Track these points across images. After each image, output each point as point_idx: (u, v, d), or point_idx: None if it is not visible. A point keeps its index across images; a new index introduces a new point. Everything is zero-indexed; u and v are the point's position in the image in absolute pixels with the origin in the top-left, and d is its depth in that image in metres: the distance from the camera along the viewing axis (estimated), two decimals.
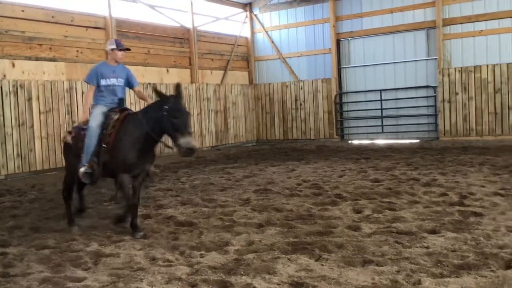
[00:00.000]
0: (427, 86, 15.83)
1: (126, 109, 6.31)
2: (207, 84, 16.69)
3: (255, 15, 18.58)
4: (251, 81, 18.92)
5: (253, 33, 18.84)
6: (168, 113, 5.63)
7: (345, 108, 17.62)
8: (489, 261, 4.20)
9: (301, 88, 17.89)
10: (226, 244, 5.22)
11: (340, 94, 17.48)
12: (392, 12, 16.18)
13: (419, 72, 16.00)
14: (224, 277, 4.18)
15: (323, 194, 7.75)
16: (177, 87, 5.74)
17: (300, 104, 17.93)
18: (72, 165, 6.26)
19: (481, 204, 6.49)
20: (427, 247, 4.71)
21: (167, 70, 15.47)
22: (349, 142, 16.98)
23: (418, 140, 15.71)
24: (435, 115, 15.74)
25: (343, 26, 17.19)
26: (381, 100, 16.46)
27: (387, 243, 4.95)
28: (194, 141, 5.74)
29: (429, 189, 7.71)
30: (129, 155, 5.74)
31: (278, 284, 3.97)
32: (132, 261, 4.77)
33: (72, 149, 6.22)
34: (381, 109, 16.53)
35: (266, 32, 18.53)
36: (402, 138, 16.16)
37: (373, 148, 14.43)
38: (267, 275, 4.15)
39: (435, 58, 15.58)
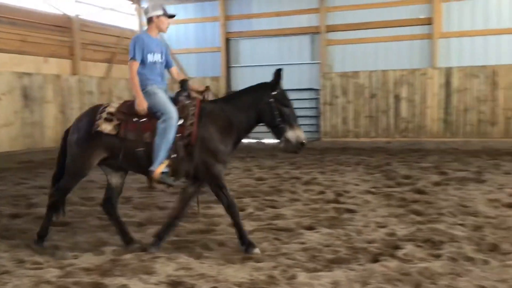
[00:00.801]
0: (310, 89, 16.53)
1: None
2: (90, 77, 15.89)
3: (144, 8, 18.08)
4: None
5: (141, 26, 18.30)
6: (276, 100, 4.76)
7: None
8: (359, 255, 4.46)
9: None
10: (102, 244, 4.99)
11: (229, 93, 17.64)
12: (279, 16, 16.65)
13: (303, 75, 16.65)
14: (98, 278, 3.98)
15: (208, 193, 7.72)
16: (278, 71, 4.82)
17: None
18: (83, 165, 4.88)
19: (355, 202, 6.90)
20: (304, 243, 4.90)
21: (46, 60, 14.46)
22: None
23: None
24: (317, 117, 16.49)
25: (232, 26, 17.34)
26: None
27: (267, 240, 5.06)
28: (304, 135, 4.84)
29: (309, 187, 8.04)
30: (224, 150, 4.74)
31: (155, 284, 3.88)
32: None
33: (108, 142, 4.78)
34: None
35: None
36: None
37: (259, 148, 14.75)
38: (144, 275, 4.03)
39: (319, 63, 16.33)
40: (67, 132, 5.05)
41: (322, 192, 7.59)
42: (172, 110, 4.67)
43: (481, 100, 14.44)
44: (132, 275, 4.03)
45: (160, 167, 4.64)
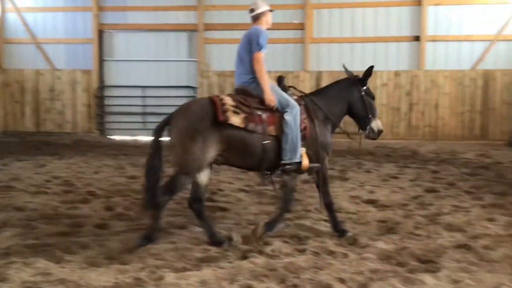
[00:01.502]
0: (188, 86, 16.41)
1: None
2: None
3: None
4: None
5: (3, 11, 16.77)
6: (366, 93, 5.36)
7: (106, 102, 17.05)
8: (228, 253, 4.49)
9: (58, 78, 16.63)
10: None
11: (102, 87, 16.85)
12: (156, 10, 16.29)
13: (180, 72, 16.47)
14: None
15: (74, 192, 7.31)
16: (371, 68, 5.48)
17: (57, 95, 16.67)
18: (202, 159, 4.55)
19: (228, 200, 6.97)
20: (174, 243, 4.81)
21: None
22: (110, 137, 16.49)
23: None
24: None
25: (106, 17, 16.59)
26: (143, 97, 16.45)
27: (135, 241, 4.88)
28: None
29: None
30: (331, 143, 5.20)
31: None
32: None
33: (230, 134, 4.62)
34: (144, 105, 16.52)
35: (20, 12, 16.70)
36: (164, 135, 16.37)
37: (134, 145, 14.30)
38: None
39: (196, 60, 16.28)
40: (159, 129, 4.69)
41: None
42: (295, 102, 4.91)
43: None
44: None
45: (304, 158, 4.87)
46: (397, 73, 15.14)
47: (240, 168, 5.35)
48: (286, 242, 4.86)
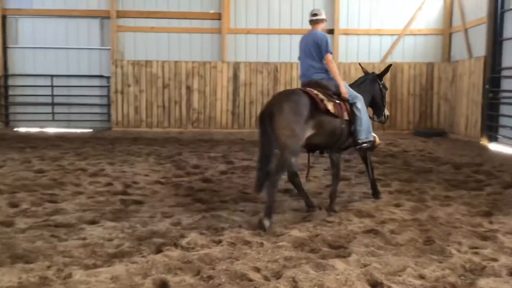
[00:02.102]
0: (100, 76, 15.79)
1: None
2: None
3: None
4: None
5: None
6: (382, 85, 6.72)
7: (11, 92, 15.99)
8: (142, 247, 4.37)
9: None
10: None
11: (6, 76, 15.77)
12: None
13: (92, 61, 15.81)
14: None
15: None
16: (390, 66, 6.73)
17: None
18: (301, 142, 5.41)
19: (143, 193, 6.79)
20: (84, 239, 4.61)
21: None
22: (15, 129, 15.49)
23: (91, 130, 15.54)
24: (108, 105, 15.86)
25: (10, 2, 15.53)
26: (52, 86, 15.60)
27: (42, 238, 4.63)
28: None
29: (95, 179, 7.64)
30: None
31: None
32: None
33: (322, 120, 5.53)
34: (52, 95, 15.67)
35: None
36: (74, 127, 15.69)
37: (42, 137, 13.54)
38: None
39: (109, 49, 15.68)
40: (264, 117, 5.30)
41: (109, 184, 7.29)
42: (359, 95, 6.06)
43: (264, 94, 15.61)
44: None
45: (376, 138, 6.33)
46: None
47: (316, 148, 6.00)
48: (202, 233, 4.81)
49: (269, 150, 5.23)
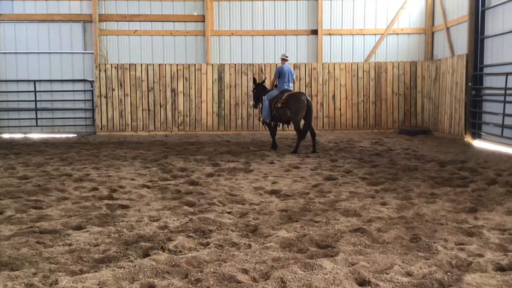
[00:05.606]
0: (84, 80, 15.67)
1: None
2: None
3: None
4: None
5: None
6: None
7: None
8: (129, 252, 4.33)
9: None
10: None
11: None
12: (47, 0, 15.35)
13: (76, 65, 15.69)
14: None
15: None
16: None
17: None
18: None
19: (129, 197, 6.73)
20: (70, 245, 4.56)
21: None
22: None
23: (75, 135, 15.40)
24: (92, 110, 15.74)
25: None
26: (35, 92, 15.44)
27: (27, 245, 4.56)
28: None
29: (81, 184, 7.57)
30: None
31: None
32: None
33: None
34: (36, 101, 15.51)
35: None
36: (58, 132, 15.55)
37: (25, 143, 13.38)
38: None
39: (92, 53, 15.57)
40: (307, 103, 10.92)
41: (95, 189, 7.22)
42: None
43: (249, 95, 15.62)
44: None
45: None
46: (296, 66, 15.58)
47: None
48: (189, 236, 4.79)
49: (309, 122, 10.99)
